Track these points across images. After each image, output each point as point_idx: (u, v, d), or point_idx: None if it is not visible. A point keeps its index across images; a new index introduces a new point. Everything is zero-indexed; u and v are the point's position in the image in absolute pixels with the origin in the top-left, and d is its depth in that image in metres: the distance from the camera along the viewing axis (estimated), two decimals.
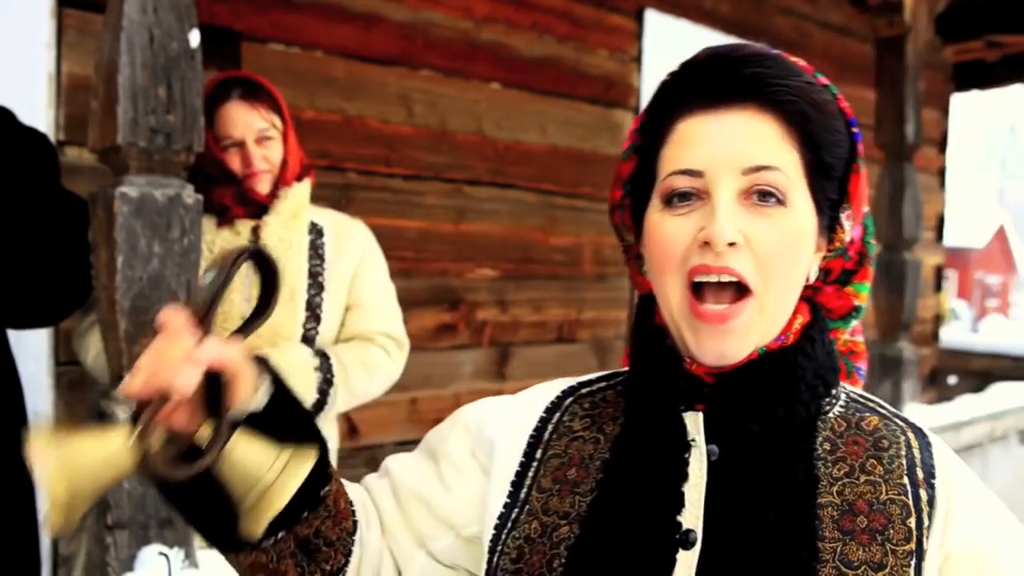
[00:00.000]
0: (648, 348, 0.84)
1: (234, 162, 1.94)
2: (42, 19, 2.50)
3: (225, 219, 1.94)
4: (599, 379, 0.93)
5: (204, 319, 0.71)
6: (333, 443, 2.11)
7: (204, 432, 0.72)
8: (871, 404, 0.87)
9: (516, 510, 0.84)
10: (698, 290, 0.78)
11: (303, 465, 0.72)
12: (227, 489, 0.73)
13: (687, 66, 0.82)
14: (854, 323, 0.92)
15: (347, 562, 0.85)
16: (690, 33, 4.40)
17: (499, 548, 0.82)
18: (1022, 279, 35.50)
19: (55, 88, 2.53)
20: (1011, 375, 5.94)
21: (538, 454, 0.86)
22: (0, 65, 2.38)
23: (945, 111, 6.60)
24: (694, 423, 0.81)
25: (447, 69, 3.59)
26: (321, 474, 0.81)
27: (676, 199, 0.79)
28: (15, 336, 1.89)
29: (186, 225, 1.72)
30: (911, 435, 0.83)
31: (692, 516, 0.77)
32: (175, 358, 0.69)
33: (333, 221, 2.08)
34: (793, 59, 0.82)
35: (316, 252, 2.01)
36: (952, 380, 6.92)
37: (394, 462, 0.93)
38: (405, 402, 3.50)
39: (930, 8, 4.07)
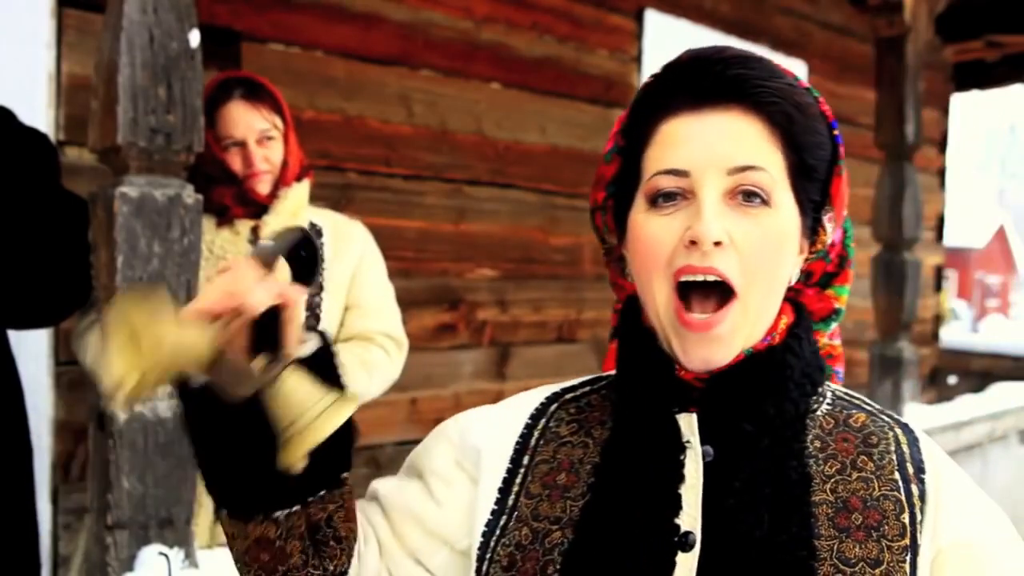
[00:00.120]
0: (638, 351, 0.84)
1: (235, 162, 1.94)
2: (42, 19, 2.50)
3: (225, 219, 1.94)
4: (582, 384, 0.92)
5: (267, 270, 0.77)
6: None
7: (258, 364, 0.76)
8: (856, 401, 0.88)
9: (504, 517, 0.83)
10: (684, 295, 0.78)
11: (345, 408, 0.75)
12: (270, 420, 0.75)
13: (670, 68, 0.83)
14: (834, 325, 0.92)
15: (348, 567, 0.85)
16: (690, 33, 4.40)
17: (488, 556, 0.82)
18: (1022, 279, 35.51)
19: (55, 88, 2.53)
20: (1011, 375, 5.94)
21: (525, 460, 0.86)
22: (0, 65, 2.39)
23: (945, 111, 6.61)
24: (688, 425, 0.80)
25: (447, 69, 3.59)
26: (344, 456, 0.81)
27: (661, 199, 0.79)
28: (15, 336, 1.89)
29: (186, 225, 1.72)
30: (898, 431, 0.83)
31: (690, 518, 0.77)
32: (249, 279, 0.73)
33: (332, 221, 2.08)
34: (775, 63, 0.82)
35: None
36: (952, 380, 6.93)
37: (380, 484, 0.92)
38: (405, 402, 3.50)
39: (930, 8, 4.07)
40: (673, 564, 0.76)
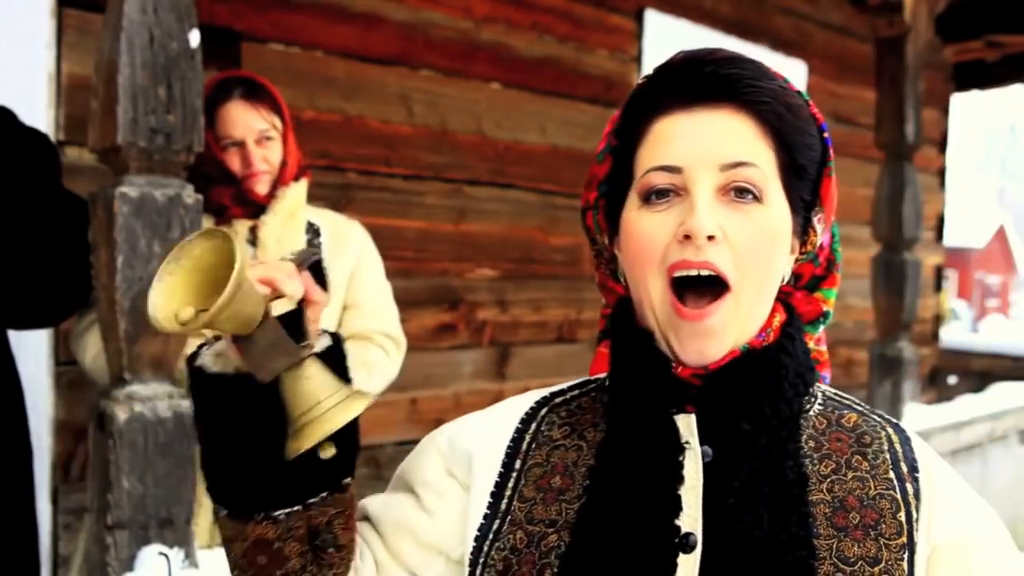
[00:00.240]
0: (633, 351, 0.84)
1: (234, 162, 1.94)
2: (42, 19, 2.50)
3: (223, 219, 1.94)
4: (571, 388, 0.92)
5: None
6: None
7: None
8: (847, 401, 0.88)
9: (497, 521, 0.83)
10: (679, 292, 0.79)
11: (359, 403, 0.77)
12: (283, 409, 0.77)
13: (663, 69, 0.84)
14: (822, 328, 0.93)
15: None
16: (690, 33, 4.40)
17: (482, 560, 0.81)
18: (1022, 279, 35.51)
19: (55, 88, 2.53)
20: (1011, 375, 5.95)
21: (517, 464, 0.85)
22: (0, 65, 2.39)
23: (945, 111, 6.61)
24: (687, 425, 0.80)
25: (447, 69, 3.59)
26: (348, 458, 0.81)
27: (654, 196, 0.80)
28: (15, 336, 1.89)
29: (186, 225, 1.72)
30: (890, 430, 0.85)
31: (690, 519, 0.77)
32: (290, 270, 0.77)
33: (330, 221, 2.08)
34: (766, 65, 0.83)
35: None
36: (952, 380, 6.93)
37: (370, 502, 0.91)
38: (405, 402, 3.50)
39: (930, 8, 4.07)
40: (675, 565, 0.76)
